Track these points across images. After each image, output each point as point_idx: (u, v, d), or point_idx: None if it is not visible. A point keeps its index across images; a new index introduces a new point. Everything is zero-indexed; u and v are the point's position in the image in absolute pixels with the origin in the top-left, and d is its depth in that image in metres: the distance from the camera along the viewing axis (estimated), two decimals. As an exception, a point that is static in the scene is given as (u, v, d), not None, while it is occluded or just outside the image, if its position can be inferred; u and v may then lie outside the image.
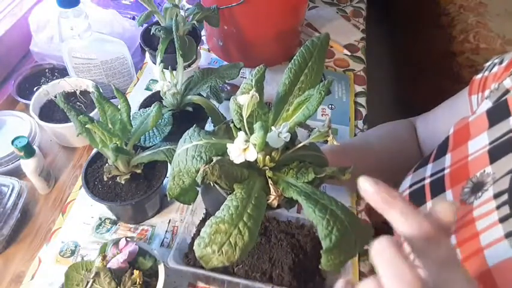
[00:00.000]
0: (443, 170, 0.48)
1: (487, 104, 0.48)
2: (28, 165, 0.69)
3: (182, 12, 0.78)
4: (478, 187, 0.43)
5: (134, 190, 0.62)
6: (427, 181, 0.50)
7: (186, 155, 0.40)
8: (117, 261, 0.54)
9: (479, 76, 0.54)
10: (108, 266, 0.54)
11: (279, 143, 0.38)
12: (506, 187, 0.40)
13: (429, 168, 0.51)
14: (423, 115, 0.67)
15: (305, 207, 0.37)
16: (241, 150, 0.37)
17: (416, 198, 0.50)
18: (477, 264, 0.39)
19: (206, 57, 0.99)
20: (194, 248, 0.35)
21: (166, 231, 0.68)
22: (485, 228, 0.40)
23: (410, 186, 0.52)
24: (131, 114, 0.61)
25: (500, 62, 0.51)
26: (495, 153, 0.43)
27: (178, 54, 0.67)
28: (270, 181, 0.40)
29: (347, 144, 0.65)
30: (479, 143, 0.46)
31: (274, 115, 0.43)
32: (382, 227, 0.87)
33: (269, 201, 0.39)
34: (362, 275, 0.63)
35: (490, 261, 0.38)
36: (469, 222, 0.42)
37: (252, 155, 0.37)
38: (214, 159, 0.39)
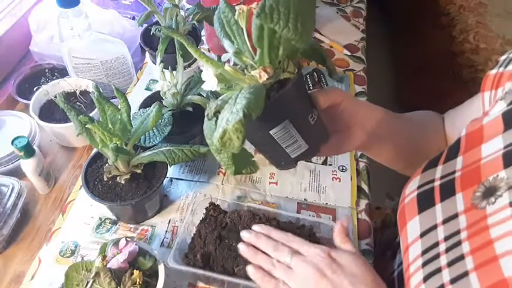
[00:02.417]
0: (454, 172, 0.47)
1: (501, 106, 0.46)
2: (28, 165, 0.69)
3: (182, 12, 0.78)
4: (490, 192, 0.42)
5: (134, 190, 0.62)
6: (437, 183, 0.48)
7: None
8: (117, 261, 0.54)
9: (493, 71, 0.51)
10: (108, 266, 0.54)
11: None
12: None
13: (439, 170, 0.49)
14: (450, 111, 0.64)
15: None
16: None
17: (425, 200, 0.48)
18: (492, 273, 0.38)
19: (206, 57, 0.99)
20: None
21: (166, 231, 0.68)
22: (501, 236, 0.39)
23: (419, 187, 0.50)
24: (131, 114, 0.61)
25: None
26: (510, 158, 0.42)
27: (178, 54, 0.67)
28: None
29: (399, 115, 0.62)
30: (493, 147, 0.44)
31: None
32: (381, 228, 0.87)
33: (260, 79, 0.38)
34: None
35: (506, 271, 0.37)
36: (482, 230, 0.41)
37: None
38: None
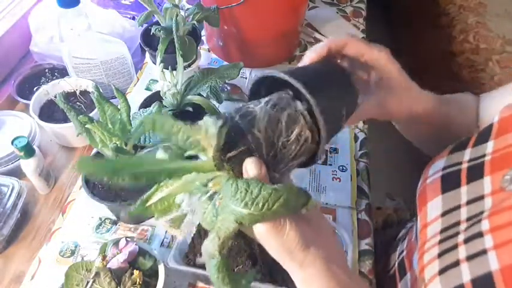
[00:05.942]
0: (483, 156, 0.46)
1: None
2: (28, 165, 0.69)
3: (182, 12, 0.78)
4: None
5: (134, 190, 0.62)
6: (464, 166, 0.48)
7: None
8: (117, 261, 0.54)
9: None
10: (108, 266, 0.54)
11: None
12: None
13: (467, 153, 0.48)
14: (485, 95, 0.62)
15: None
16: None
17: (450, 181, 0.48)
18: None
19: (206, 57, 0.99)
20: None
21: (166, 231, 0.67)
22: None
23: (444, 168, 0.50)
24: (131, 114, 0.61)
25: None
26: None
27: (178, 54, 0.67)
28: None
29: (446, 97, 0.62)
30: None
31: None
32: (383, 227, 0.87)
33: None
34: (362, 275, 0.63)
35: None
36: (504, 209, 0.40)
37: None
38: None
